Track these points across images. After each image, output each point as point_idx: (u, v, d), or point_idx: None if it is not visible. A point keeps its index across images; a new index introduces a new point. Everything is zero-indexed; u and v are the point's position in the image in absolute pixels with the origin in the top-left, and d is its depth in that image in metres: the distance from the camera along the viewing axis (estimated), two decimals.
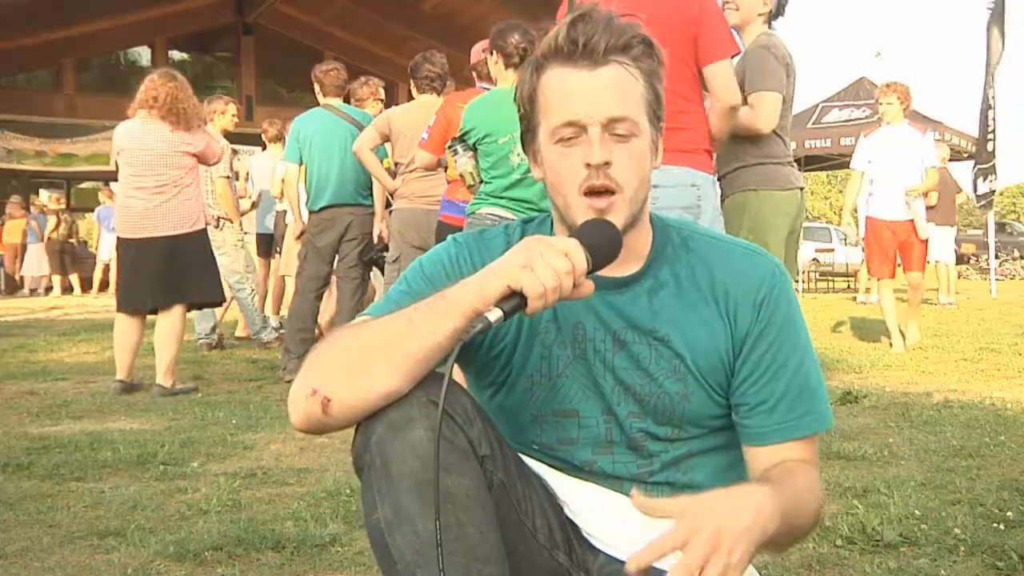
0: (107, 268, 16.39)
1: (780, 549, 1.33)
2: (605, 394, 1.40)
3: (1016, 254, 23.19)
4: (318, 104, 6.14)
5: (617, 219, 1.34)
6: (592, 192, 1.33)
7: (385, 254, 5.71)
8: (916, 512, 2.68)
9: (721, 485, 1.41)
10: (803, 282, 16.05)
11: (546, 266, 1.20)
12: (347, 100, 6.34)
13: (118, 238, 5.46)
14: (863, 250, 13.65)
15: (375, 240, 5.86)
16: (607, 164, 1.32)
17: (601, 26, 1.33)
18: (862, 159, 7.05)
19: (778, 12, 3.83)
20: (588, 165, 1.32)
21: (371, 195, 5.85)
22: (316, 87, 6.18)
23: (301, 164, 6.04)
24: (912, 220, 6.89)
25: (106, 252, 16.47)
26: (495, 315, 1.21)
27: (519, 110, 1.42)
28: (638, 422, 1.40)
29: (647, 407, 1.39)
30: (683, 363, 1.39)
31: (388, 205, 5.50)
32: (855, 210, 7.44)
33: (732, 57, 3.24)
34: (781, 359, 1.39)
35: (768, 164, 3.73)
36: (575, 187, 1.34)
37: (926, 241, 7.05)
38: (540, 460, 1.43)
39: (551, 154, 1.36)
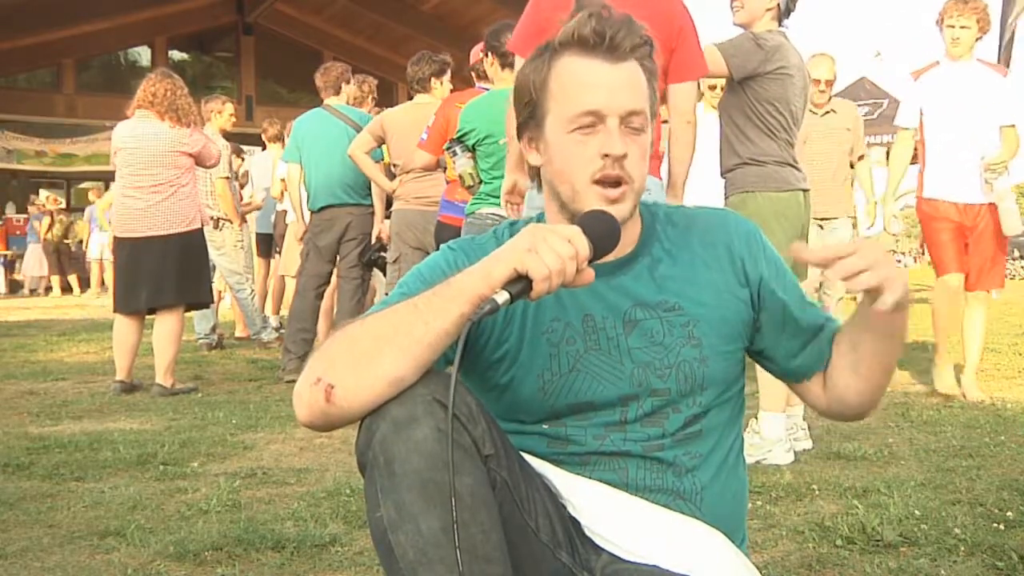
0: (102, 267, 16.42)
1: (888, 372, 1.48)
2: (624, 379, 1.41)
3: (1016, 254, 23.18)
4: (320, 104, 6.15)
5: (625, 208, 1.39)
6: (605, 181, 1.36)
7: (383, 254, 5.72)
8: (916, 512, 2.68)
9: (721, 473, 1.46)
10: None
11: (550, 250, 1.22)
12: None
13: (114, 237, 5.47)
14: None
15: (374, 240, 5.87)
16: (624, 156, 1.36)
17: (625, 24, 1.38)
18: (911, 112, 4.85)
19: (788, 9, 3.81)
20: (606, 156, 1.36)
21: (370, 195, 5.86)
22: (319, 91, 6.21)
23: (300, 164, 6.06)
24: (993, 204, 4.65)
25: (95, 251, 16.49)
26: (502, 297, 1.23)
27: (525, 96, 1.44)
28: (659, 400, 1.42)
29: (668, 380, 1.41)
30: (696, 327, 1.43)
31: (391, 205, 5.50)
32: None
33: (698, 78, 3.28)
34: (794, 289, 1.52)
35: (765, 164, 3.70)
36: (586, 176, 1.38)
37: (1005, 247, 4.87)
38: (547, 443, 1.43)
39: (564, 142, 1.39)
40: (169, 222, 5.26)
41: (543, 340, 1.42)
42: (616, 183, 1.37)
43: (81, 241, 17.97)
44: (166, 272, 5.25)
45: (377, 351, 1.26)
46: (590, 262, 1.28)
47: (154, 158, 5.23)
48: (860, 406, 1.51)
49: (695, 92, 3.26)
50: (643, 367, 1.41)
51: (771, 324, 1.49)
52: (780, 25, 3.80)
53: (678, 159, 3.26)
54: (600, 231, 1.31)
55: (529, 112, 1.44)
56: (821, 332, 1.50)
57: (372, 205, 5.86)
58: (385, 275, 5.78)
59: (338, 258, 6.01)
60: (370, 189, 5.84)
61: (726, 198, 3.82)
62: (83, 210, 18.53)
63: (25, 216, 18.77)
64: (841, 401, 1.50)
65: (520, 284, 1.24)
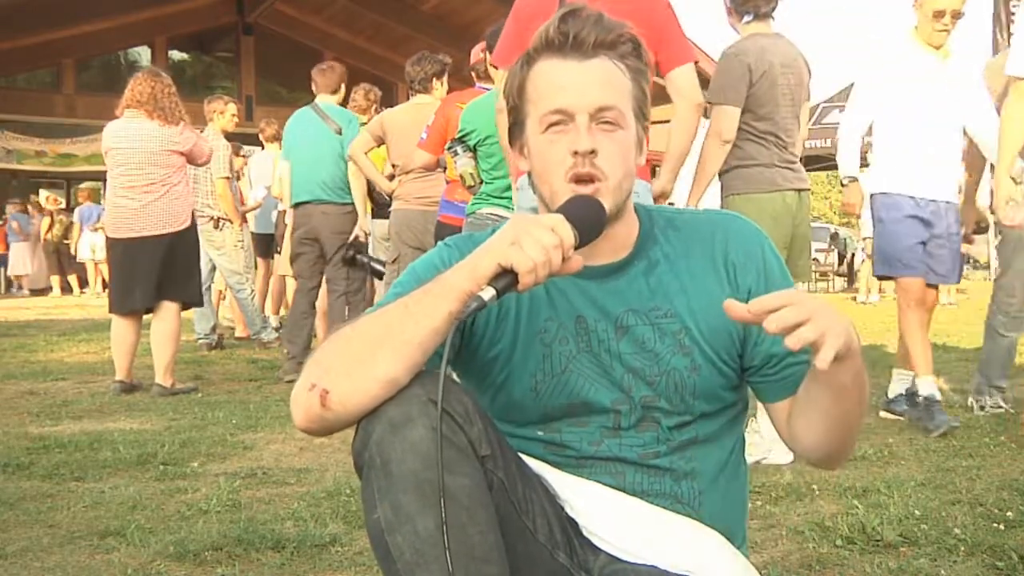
0: (97, 268, 16.41)
1: (844, 428, 1.35)
2: (615, 382, 1.41)
3: None
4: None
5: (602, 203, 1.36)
6: (578, 180, 1.35)
7: (359, 255, 5.67)
8: (916, 512, 2.68)
9: (721, 475, 1.44)
10: (802, 282, 16.02)
11: (534, 241, 1.22)
12: (345, 103, 6.36)
13: (108, 238, 5.47)
14: (863, 250, 13.50)
15: (351, 239, 5.82)
16: (593, 152, 1.35)
17: (591, 21, 1.38)
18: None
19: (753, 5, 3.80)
20: (575, 153, 1.35)
21: (348, 193, 5.83)
22: (313, 86, 6.22)
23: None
24: None
25: (85, 251, 16.47)
26: (488, 294, 1.23)
27: (509, 103, 1.45)
28: (650, 407, 1.41)
29: (658, 388, 1.40)
30: (688, 336, 1.41)
31: (390, 204, 5.49)
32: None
33: (690, 61, 3.18)
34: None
35: (749, 167, 3.74)
36: (561, 174, 1.37)
37: None
38: (543, 448, 1.43)
39: (540, 143, 1.39)
40: (163, 222, 5.25)
41: (537, 340, 1.42)
42: (588, 180, 1.35)
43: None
44: (161, 272, 5.25)
45: (370, 353, 1.26)
46: (579, 246, 1.27)
47: (146, 157, 5.23)
48: (818, 460, 1.45)
49: (694, 73, 3.15)
50: (633, 373, 1.40)
51: (750, 341, 1.42)
52: (755, 18, 3.79)
53: (676, 144, 3.19)
54: (583, 215, 1.29)
55: (514, 118, 1.45)
56: (793, 362, 1.41)
57: (349, 203, 5.82)
58: (371, 277, 5.76)
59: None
60: (350, 188, 5.81)
61: (723, 200, 3.88)
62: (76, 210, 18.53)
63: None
64: (797, 444, 1.43)
65: (506, 279, 1.23)
